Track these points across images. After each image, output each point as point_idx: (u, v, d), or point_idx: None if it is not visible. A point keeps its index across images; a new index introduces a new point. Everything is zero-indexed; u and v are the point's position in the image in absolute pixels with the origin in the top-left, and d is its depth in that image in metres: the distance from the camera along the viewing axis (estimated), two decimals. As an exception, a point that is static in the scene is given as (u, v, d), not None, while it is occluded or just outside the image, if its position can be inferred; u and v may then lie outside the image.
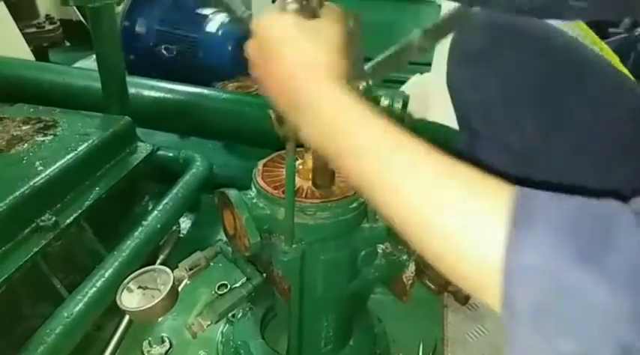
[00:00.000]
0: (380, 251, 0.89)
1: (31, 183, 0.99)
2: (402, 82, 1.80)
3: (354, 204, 0.81)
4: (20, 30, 2.33)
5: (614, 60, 0.72)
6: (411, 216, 0.45)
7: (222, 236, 0.89)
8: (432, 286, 1.00)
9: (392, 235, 0.91)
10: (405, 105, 1.50)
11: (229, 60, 1.95)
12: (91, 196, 1.12)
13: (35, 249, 0.95)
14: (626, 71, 0.71)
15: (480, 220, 0.40)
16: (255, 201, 0.80)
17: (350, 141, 0.49)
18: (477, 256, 0.40)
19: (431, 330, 1.15)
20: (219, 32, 2.00)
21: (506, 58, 0.71)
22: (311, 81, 0.52)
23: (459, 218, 0.41)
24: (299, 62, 0.53)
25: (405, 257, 0.89)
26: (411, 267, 0.90)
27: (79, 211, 1.07)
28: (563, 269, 0.36)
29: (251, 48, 0.58)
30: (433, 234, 0.43)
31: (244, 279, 0.87)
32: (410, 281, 0.91)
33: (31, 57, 2.29)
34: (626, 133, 0.67)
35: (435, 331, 1.15)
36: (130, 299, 0.79)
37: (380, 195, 0.47)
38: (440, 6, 2.01)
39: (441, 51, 1.40)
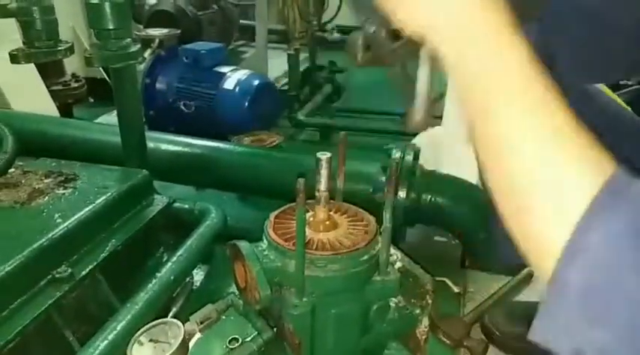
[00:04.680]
0: (392, 305, 0.88)
1: (49, 236, 1.01)
2: (414, 135, 1.83)
3: (365, 257, 0.81)
4: (47, 87, 2.44)
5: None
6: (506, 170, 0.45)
7: (234, 288, 0.89)
8: (447, 341, 0.98)
9: (404, 289, 0.90)
10: (416, 157, 1.52)
11: (245, 115, 2.01)
12: (107, 248, 1.13)
13: (50, 301, 0.96)
14: None
15: (568, 191, 0.40)
16: (266, 253, 0.81)
17: (494, 87, 0.47)
18: (547, 227, 0.41)
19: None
20: (236, 89, 2.08)
21: None
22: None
23: (549, 184, 0.42)
24: None
25: (418, 311, 0.88)
26: (425, 322, 0.89)
27: (95, 263, 1.09)
28: (625, 267, 0.36)
29: None
30: (522, 190, 0.43)
31: (255, 333, 0.86)
32: (424, 337, 0.89)
33: (56, 113, 2.39)
34: None
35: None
36: (141, 353, 0.79)
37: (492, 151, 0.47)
38: None
39: (451, 105, 1.43)
